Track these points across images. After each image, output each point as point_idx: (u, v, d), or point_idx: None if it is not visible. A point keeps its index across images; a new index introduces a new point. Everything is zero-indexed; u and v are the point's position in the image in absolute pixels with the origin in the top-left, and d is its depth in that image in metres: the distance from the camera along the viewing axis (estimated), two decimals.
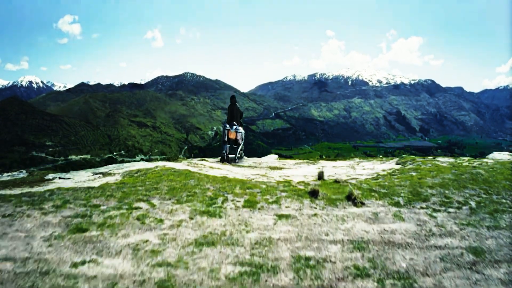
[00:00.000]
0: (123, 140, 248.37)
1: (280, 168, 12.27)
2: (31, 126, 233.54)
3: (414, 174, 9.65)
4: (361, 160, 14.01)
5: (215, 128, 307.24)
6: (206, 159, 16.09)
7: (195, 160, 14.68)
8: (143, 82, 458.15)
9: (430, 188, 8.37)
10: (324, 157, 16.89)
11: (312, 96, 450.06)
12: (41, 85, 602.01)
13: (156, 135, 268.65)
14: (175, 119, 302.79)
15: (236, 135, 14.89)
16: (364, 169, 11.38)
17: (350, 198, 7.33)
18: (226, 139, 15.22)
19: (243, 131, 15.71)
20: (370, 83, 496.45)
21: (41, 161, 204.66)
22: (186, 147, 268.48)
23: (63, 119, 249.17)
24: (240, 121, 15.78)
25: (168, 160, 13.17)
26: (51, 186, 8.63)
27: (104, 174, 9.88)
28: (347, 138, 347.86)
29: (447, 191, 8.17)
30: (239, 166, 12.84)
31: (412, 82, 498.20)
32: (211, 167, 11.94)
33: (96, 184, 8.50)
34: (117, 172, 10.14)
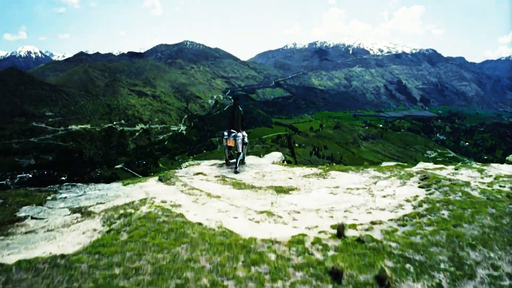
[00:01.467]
0: (123, 109, 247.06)
1: (288, 191, 10.48)
2: (31, 96, 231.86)
3: (446, 214, 8.04)
4: (376, 173, 12.13)
5: (215, 97, 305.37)
6: (206, 164, 14.52)
7: (192, 170, 13.15)
8: (142, 51, 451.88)
9: (472, 249, 6.82)
10: (334, 164, 14.99)
11: (312, 65, 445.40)
12: (39, 55, 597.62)
13: (156, 104, 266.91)
14: (175, 88, 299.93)
15: (236, 142, 13.47)
16: (384, 196, 9.59)
17: (383, 283, 5.85)
18: (225, 145, 14.08)
19: (245, 135, 14.15)
20: (371, 52, 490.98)
21: (41, 131, 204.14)
22: (186, 116, 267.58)
23: (62, 89, 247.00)
24: (243, 124, 14.19)
25: (161, 180, 11.46)
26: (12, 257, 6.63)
27: (83, 214, 8.26)
28: (348, 107, 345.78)
29: (492, 254, 6.64)
30: (239, 184, 11.08)
31: (414, 51, 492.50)
32: (208, 194, 10.06)
33: (69, 249, 6.53)
34: (97, 211, 8.48)
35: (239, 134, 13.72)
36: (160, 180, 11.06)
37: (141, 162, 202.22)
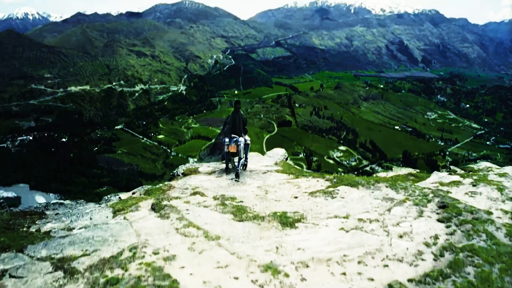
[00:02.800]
0: (122, 70, 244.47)
1: (294, 224, 8.89)
2: (29, 58, 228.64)
3: (472, 274, 6.69)
4: (389, 190, 10.54)
5: (214, 56, 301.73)
6: (205, 172, 13.38)
7: (189, 182, 11.73)
8: (141, 11, 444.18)
9: None
10: (343, 174, 13.19)
11: (313, 24, 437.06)
12: (37, 16, 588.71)
13: (155, 64, 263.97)
14: (174, 48, 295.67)
15: (238, 148, 12.73)
16: (401, 236, 7.96)
17: None
18: (226, 151, 13.15)
19: (248, 138, 13.45)
20: (373, 12, 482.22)
21: (41, 93, 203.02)
22: (185, 76, 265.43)
23: (60, 51, 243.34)
24: (245, 128, 13.40)
25: (154, 209, 9.79)
26: None
27: (66, 272, 6.91)
28: (349, 67, 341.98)
29: None
30: (240, 210, 9.53)
31: (416, 11, 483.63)
32: (206, 235, 8.30)
33: None
34: (81, 268, 7.05)
35: (241, 139, 12.93)
36: (153, 209, 9.47)
37: (141, 122, 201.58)
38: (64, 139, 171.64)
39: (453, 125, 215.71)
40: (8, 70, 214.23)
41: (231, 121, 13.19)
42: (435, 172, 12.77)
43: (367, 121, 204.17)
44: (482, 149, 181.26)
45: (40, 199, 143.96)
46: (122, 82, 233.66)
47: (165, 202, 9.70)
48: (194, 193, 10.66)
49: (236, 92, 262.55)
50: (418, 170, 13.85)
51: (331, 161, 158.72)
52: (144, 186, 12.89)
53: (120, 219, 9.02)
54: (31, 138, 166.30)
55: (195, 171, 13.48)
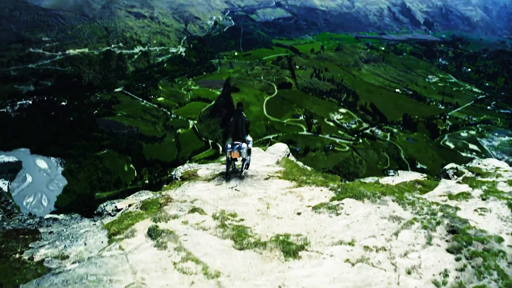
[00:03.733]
0: (121, 32, 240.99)
1: (297, 253, 8.07)
2: (26, 22, 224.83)
3: None
4: (395, 206, 9.72)
5: (214, 17, 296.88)
6: (205, 178, 12.73)
7: (188, 193, 11.23)
8: None
9: None
10: (348, 182, 12.14)
11: None
12: None
13: (154, 26, 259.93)
14: (173, 9, 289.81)
15: (240, 154, 12.20)
16: (409, 272, 7.07)
17: None
18: (229, 158, 12.50)
19: (250, 139, 12.82)
20: None
21: (39, 57, 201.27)
22: (185, 38, 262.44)
23: (58, 13, 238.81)
24: (248, 130, 12.84)
25: (151, 236, 8.85)
26: None
27: None
28: (350, 29, 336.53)
29: None
30: (241, 235, 8.72)
31: None
32: (205, 271, 7.40)
33: None
34: None
35: (244, 145, 12.28)
36: (149, 235, 8.73)
37: (140, 85, 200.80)
38: (63, 103, 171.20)
39: (454, 89, 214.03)
40: (5, 34, 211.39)
41: (233, 124, 12.54)
42: (443, 180, 12.22)
43: (368, 84, 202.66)
44: (482, 114, 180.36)
45: (41, 163, 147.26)
46: (121, 44, 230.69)
47: (162, 226, 9.08)
48: (193, 210, 10.09)
49: (236, 53, 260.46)
50: (425, 176, 13.17)
51: (331, 124, 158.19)
52: (141, 193, 12.27)
53: (115, 248, 8.37)
54: (30, 102, 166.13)
55: (193, 175, 12.95)
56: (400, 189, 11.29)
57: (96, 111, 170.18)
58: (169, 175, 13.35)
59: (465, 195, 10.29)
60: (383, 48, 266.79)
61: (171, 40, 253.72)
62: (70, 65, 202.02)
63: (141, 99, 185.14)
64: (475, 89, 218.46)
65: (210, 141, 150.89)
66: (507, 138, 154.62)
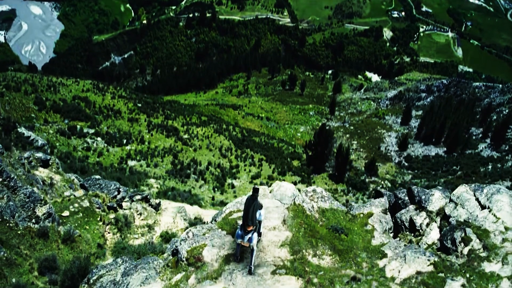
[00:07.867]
0: None
1: None
2: None
3: None
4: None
5: None
6: (208, 263, 9.47)
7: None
8: None
9: None
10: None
11: None
12: None
13: None
14: None
15: (250, 242, 10.40)
16: None
17: None
18: (239, 243, 10.81)
19: (262, 213, 10.96)
20: None
21: None
22: None
23: None
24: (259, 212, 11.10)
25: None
26: None
27: None
28: None
29: None
30: None
31: None
32: None
33: None
34: None
35: (255, 235, 10.45)
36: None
37: None
38: None
39: None
40: None
41: (245, 209, 10.70)
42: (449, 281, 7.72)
43: None
44: None
45: (35, 9, 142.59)
46: None
47: None
48: None
49: None
50: (431, 262, 8.52)
51: None
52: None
53: None
54: None
55: (198, 259, 9.47)
56: None
57: None
58: (172, 249, 10.12)
59: None
60: None
61: None
62: None
63: None
64: None
65: None
66: None
